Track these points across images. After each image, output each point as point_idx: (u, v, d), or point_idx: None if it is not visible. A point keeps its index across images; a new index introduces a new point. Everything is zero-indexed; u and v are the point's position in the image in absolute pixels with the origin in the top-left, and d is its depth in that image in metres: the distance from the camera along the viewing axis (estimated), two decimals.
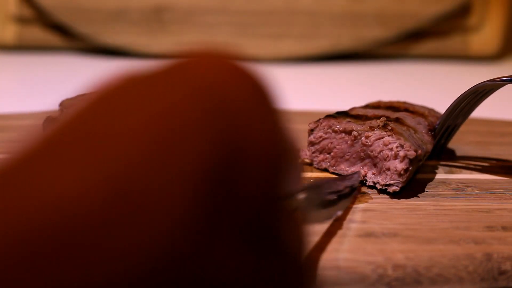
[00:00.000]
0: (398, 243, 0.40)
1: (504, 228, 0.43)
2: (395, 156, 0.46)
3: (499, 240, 0.41)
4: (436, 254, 0.39)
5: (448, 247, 0.40)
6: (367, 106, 0.57)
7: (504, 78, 0.48)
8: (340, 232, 0.42)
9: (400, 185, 0.47)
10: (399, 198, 0.48)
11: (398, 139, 0.47)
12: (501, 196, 0.48)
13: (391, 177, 0.47)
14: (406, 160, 0.46)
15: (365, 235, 0.42)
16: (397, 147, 0.46)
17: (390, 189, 0.47)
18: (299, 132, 0.59)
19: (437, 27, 1.09)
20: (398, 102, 0.58)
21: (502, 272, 0.39)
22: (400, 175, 0.46)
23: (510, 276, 0.39)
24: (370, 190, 0.49)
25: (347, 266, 0.38)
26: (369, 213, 0.45)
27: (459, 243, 0.41)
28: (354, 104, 0.58)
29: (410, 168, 0.46)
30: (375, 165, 0.48)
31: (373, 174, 0.49)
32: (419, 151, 0.47)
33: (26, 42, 1.10)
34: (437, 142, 0.52)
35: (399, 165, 0.46)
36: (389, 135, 0.47)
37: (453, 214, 0.45)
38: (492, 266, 0.39)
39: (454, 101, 0.51)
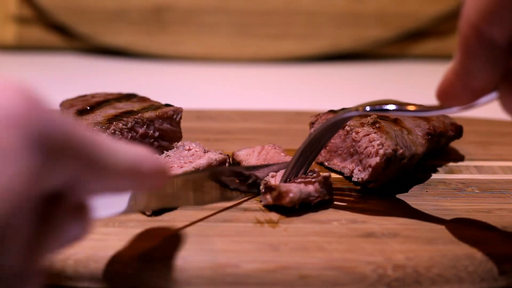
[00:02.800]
0: (398, 243, 0.40)
1: (504, 228, 0.43)
2: (376, 153, 0.47)
3: (499, 240, 0.41)
4: (436, 254, 0.39)
5: (448, 247, 0.40)
6: None
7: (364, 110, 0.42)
8: (340, 232, 0.42)
9: (378, 182, 0.48)
10: (399, 198, 0.48)
11: (381, 137, 0.48)
12: (501, 196, 0.48)
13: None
14: (384, 158, 0.47)
15: (365, 235, 0.42)
16: (378, 144, 0.47)
17: (370, 185, 0.48)
18: (299, 132, 0.59)
19: (437, 27, 1.09)
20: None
21: (502, 272, 0.39)
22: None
23: (510, 276, 0.39)
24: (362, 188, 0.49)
25: (347, 266, 0.38)
26: (369, 213, 0.45)
27: (459, 243, 0.41)
28: (354, 104, 0.58)
29: (389, 166, 0.47)
30: (361, 161, 0.49)
31: (359, 170, 0.49)
32: (401, 151, 0.47)
33: (26, 42, 1.10)
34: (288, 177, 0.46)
35: (379, 163, 0.47)
36: (375, 132, 0.48)
37: (453, 214, 0.45)
38: (492, 266, 0.39)
39: (309, 137, 0.45)
